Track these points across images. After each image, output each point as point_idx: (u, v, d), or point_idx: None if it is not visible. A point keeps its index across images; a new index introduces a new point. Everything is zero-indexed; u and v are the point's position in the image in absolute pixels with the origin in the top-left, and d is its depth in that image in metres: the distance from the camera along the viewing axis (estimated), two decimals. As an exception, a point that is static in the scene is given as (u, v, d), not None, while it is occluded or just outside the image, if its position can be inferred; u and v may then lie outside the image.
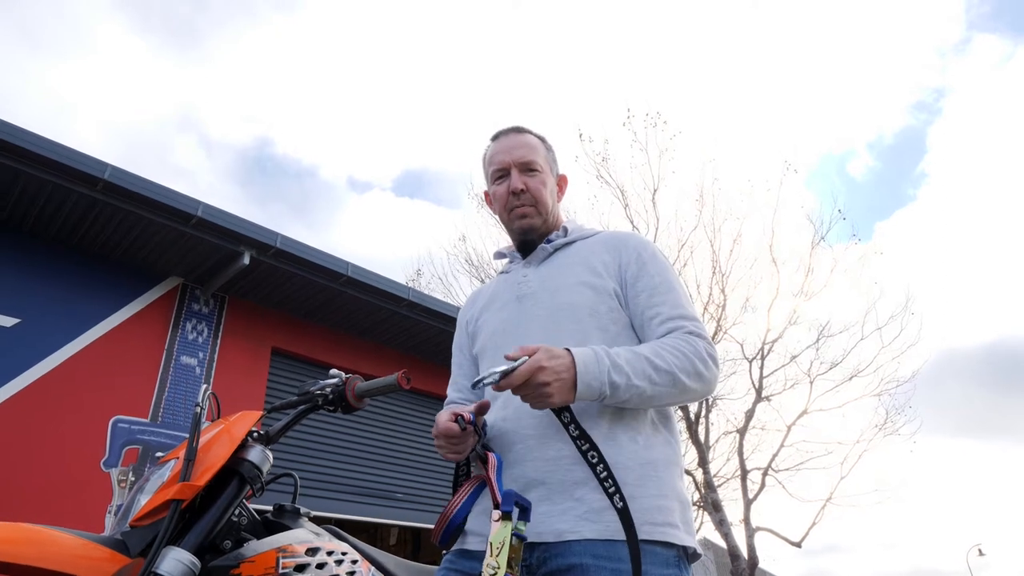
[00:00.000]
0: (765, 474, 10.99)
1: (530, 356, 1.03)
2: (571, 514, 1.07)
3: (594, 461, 1.07)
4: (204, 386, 1.29)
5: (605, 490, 1.06)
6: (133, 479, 4.68)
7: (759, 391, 11.21)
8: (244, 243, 5.02)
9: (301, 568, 1.25)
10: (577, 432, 1.09)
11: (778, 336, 11.34)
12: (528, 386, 1.02)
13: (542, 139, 1.47)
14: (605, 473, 1.07)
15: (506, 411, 1.21)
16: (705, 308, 11.34)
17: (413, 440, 6.52)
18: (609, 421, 1.14)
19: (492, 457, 1.09)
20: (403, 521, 6.18)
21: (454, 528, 1.13)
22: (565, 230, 1.40)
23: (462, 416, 1.11)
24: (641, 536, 1.04)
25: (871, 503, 15.35)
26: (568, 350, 1.08)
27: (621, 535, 1.04)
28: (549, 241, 1.38)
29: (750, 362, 11.38)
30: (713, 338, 11.85)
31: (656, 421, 1.20)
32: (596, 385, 1.06)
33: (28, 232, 4.65)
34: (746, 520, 10.51)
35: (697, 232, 11.47)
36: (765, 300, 11.50)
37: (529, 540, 1.07)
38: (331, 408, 1.41)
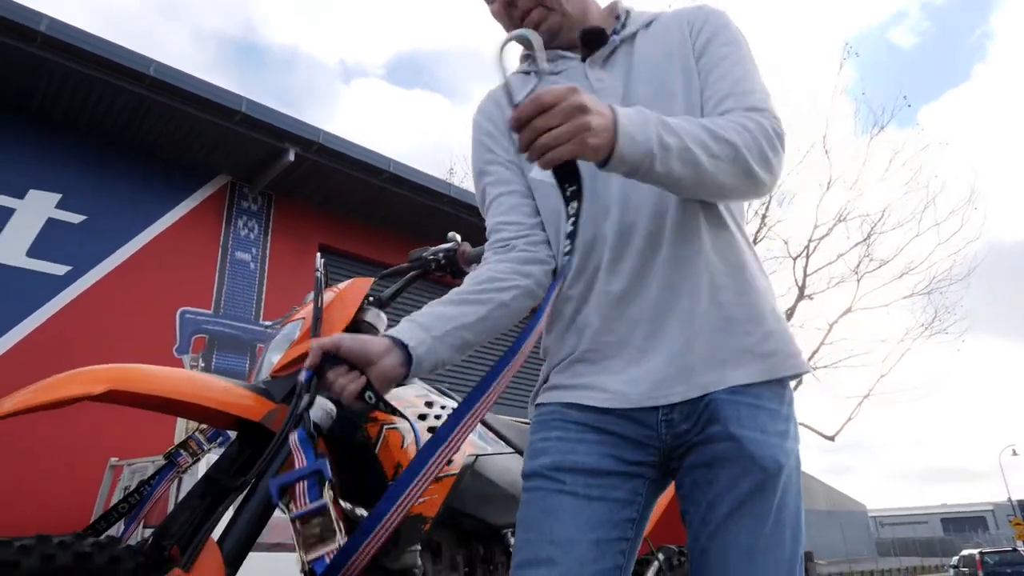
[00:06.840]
0: (802, 370, 11.09)
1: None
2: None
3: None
4: (319, 255, 1.35)
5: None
6: (203, 365, 5.07)
7: (802, 289, 11.13)
8: (288, 139, 5.08)
9: (422, 417, 1.36)
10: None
11: (826, 233, 11.09)
12: (560, 111, 0.73)
13: None
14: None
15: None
16: (750, 203, 11.06)
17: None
18: (711, 238, 0.93)
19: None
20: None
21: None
22: (627, 13, 1.06)
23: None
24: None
25: (908, 400, 15.43)
26: None
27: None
28: (615, 32, 1.04)
29: (794, 260, 11.23)
30: (756, 235, 11.61)
31: (747, 248, 0.99)
32: (642, 140, 0.78)
33: (84, 130, 4.79)
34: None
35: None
36: (814, 196, 11.13)
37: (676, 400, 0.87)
38: (441, 273, 1.44)
